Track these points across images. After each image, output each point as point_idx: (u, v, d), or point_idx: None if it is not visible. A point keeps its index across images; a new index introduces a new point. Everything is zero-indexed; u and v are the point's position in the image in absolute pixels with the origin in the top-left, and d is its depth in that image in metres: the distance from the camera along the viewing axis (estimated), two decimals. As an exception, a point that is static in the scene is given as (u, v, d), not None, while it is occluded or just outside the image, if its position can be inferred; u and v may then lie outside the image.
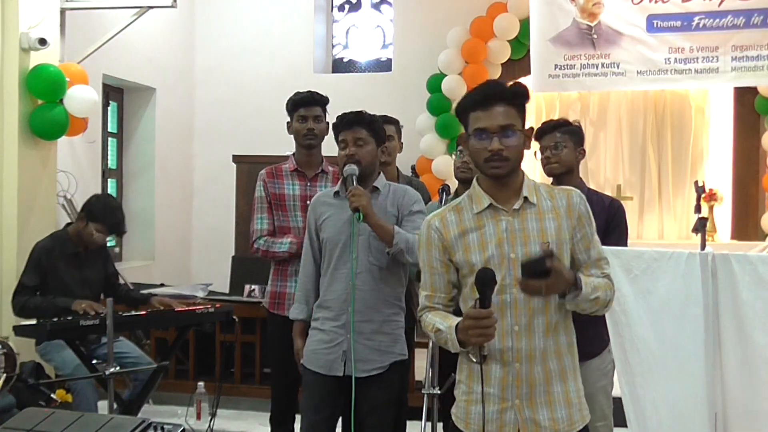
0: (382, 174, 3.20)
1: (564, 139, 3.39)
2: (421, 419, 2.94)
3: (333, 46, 8.39)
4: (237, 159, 6.62)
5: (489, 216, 2.23)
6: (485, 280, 2.03)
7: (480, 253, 2.20)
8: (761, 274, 3.30)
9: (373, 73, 8.15)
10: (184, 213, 8.04)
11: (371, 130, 3.09)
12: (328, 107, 3.79)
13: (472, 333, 2.05)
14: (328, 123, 3.70)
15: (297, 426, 3.58)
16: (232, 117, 7.99)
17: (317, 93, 3.78)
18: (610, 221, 3.34)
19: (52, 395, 3.96)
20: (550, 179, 3.46)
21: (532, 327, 2.18)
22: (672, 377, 3.43)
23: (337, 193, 3.14)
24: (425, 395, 2.96)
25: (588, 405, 2.33)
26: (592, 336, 3.10)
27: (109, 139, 7.14)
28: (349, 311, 3.01)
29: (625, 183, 7.57)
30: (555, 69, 6.84)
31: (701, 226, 3.91)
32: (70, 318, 3.82)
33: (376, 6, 8.33)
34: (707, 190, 6.74)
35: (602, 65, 6.75)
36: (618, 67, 6.72)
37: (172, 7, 5.78)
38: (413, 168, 7.23)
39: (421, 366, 3.94)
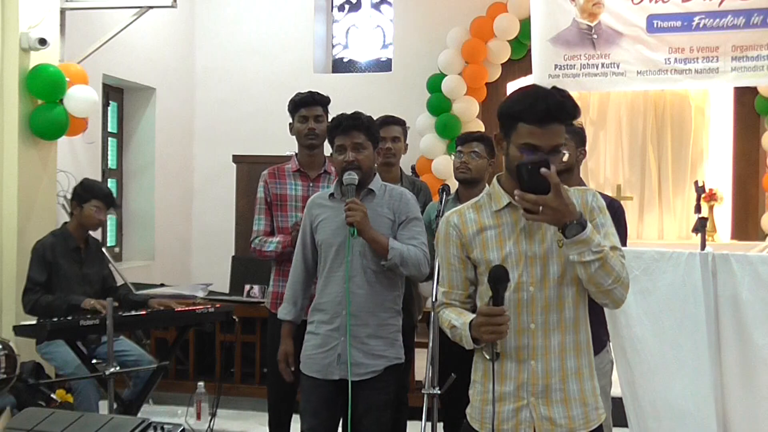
0: (377, 175, 3.18)
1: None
2: (421, 419, 2.94)
3: (333, 46, 8.39)
4: (237, 159, 6.62)
5: (508, 214, 2.22)
6: (498, 278, 2.03)
7: (498, 250, 2.21)
8: (761, 274, 3.31)
9: (373, 73, 8.15)
10: (184, 213, 8.04)
11: (369, 134, 3.07)
12: (329, 107, 3.79)
13: (485, 330, 2.06)
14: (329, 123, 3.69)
15: (296, 427, 3.57)
16: (232, 117, 7.99)
17: (318, 93, 3.77)
18: (610, 221, 3.34)
19: (52, 395, 3.97)
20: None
21: (548, 324, 2.18)
22: (672, 377, 3.43)
23: (332, 195, 3.12)
24: (425, 395, 2.95)
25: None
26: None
27: (109, 139, 7.14)
28: (344, 314, 3.01)
29: (625, 183, 7.57)
30: (555, 69, 6.84)
31: (701, 226, 3.92)
32: (70, 318, 3.83)
33: (376, 6, 8.33)
34: (707, 190, 6.74)
35: (602, 65, 6.75)
36: (618, 67, 6.72)
37: (172, 7, 5.79)
38: (413, 168, 7.23)
39: (421, 366, 3.94)
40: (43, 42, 4.95)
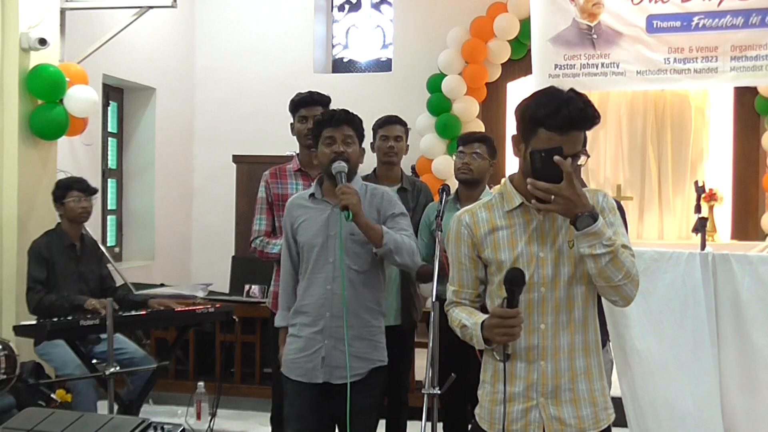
0: (358, 175, 3.13)
1: None
2: (421, 419, 2.93)
3: (333, 46, 8.39)
4: (237, 159, 6.62)
5: (520, 214, 2.22)
6: (515, 280, 2.03)
7: (509, 250, 2.20)
8: (761, 274, 3.31)
9: (373, 73, 8.15)
10: (184, 213, 8.04)
11: (358, 132, 3.05)
12: (329, 107, 3.79)
13: (497, 332, 2.07)
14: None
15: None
16: (232, 117, 7.99)
17: (318, 93, 3.77)
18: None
19: (52, 395, 3.96)
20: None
21: (558, 325, 2.18)
22: (672, 377, 3.44)
23: (312, 195, 3.07)
24: (425, 395, 2.95)
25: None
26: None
27: (109, 139, 7.14)
28: (327, 316, 2.97)
29: (625, 183, 7.57)
30: (555, 69, 6.84)
31: (701, 226, 3.92)
32: (70, 318, 3.83)
33: (376, 6, 8.33)
34: (707, 190, 6.74)
35: (602, 65, 6.76)
36: (618, 67, 6.72)
37: (172, 7, 5.79)
38: (413, 168, 7.23)
39: (421, 366, 3.94)
40: (43, 42, 4.95)
